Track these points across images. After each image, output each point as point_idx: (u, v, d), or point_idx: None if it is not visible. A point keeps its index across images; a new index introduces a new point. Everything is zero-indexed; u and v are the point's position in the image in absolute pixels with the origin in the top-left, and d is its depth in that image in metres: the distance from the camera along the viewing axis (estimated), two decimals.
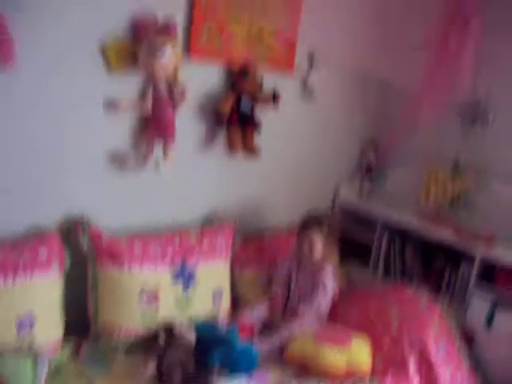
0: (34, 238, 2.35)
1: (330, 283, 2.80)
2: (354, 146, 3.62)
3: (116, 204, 2.64)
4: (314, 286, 2.79)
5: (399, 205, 3.40)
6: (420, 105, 3.19)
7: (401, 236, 3.28)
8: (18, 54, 2.13)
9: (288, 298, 2.85)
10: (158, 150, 2.60)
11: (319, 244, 2.79)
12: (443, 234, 3.04)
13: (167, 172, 2.60)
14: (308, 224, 2.83)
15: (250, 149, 2.88)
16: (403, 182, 3.46)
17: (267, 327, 2.74)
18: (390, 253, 3.33)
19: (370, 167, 3.57)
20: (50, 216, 2.45)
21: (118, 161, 2.58)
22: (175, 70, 2.52)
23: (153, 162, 2.58)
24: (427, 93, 3.14)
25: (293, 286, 2.84)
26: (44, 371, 2.10)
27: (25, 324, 2.18)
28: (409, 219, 3.22)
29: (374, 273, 3.39)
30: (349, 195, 3.60)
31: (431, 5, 3.14)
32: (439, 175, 3.19)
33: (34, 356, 2.11)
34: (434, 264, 3.17)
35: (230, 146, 2.85)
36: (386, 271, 3.35)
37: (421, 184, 3.28)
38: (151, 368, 2.24)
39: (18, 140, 2.28)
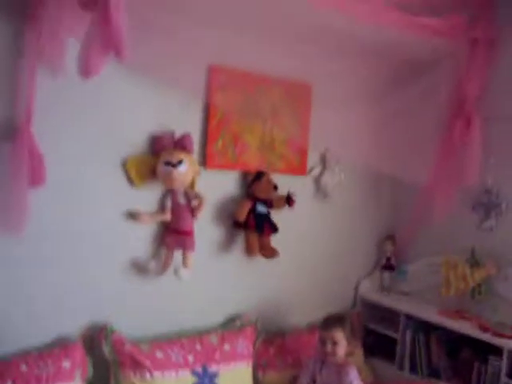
0: (57, 347, 2.41)
1: (356, 383, 2.76)
2: (372, 240, 3.68)
3: (138, 310, 2.70)
4: None
5: (421, 297, 3.42)
6: (432, 198, 3.26)
7: (425, 329, 3.24)
8: (48, 172, 2.28)
9: None
10: (177, 255, 2.71)
11: (342, 342, 2.77)
12: (467, 327, 3.00)
13: (187, 277, 2.68)
14: (330, 322, 2.82)
15: (267, 251, 2.97)
16: (423, 274, 3.47)
17: None
18: (415, 346, 3.27)
19: (389, 261, 3.61)
20: (73, 324, 2.52)
21: (138, 268, 2.69)
22: (192, 182, 2.69)
23: (172, 268, 2.67)
24: (438, 186, 3.22)
25: None
26: None
27: None
28: (431, 312, 3.20)
29: (400, 368, 3.32)
30: (370, 290, 3.61)
31: (436, 102, 3.27)
32: (458, 266, 3.19)
33: None
34: (461, 356, 3.11)
35: (248, 249, 2.94)
36: (412, 365, 3.28)
37: (441, 275, 3.28)
38: None
39: (42, 250, 2.41)
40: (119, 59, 1.83)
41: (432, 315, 3.19)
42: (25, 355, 2.32)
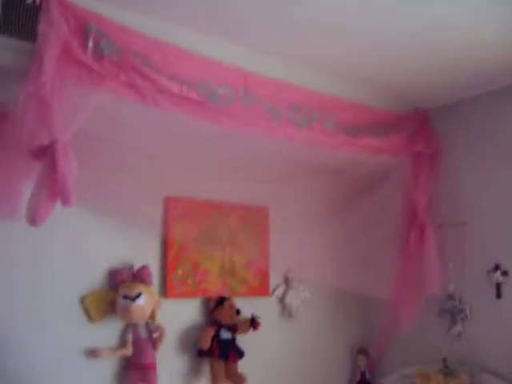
0: None
1: None
2: (344, 356, 3.61)
3: None
4: None
5: None
6: (397, 308, 3.26)
7: None
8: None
9: None
10: None
11: None
12: None
13: None
14: None
15: (234, 378, 2.89)
16: None
17: None
18: None
19: (364, 375, 3.52)
20: None
21: None
22: (153, 313, 2.68)
23: None
24: (401, 297, 3.24)
25: None
26: None
27: None
28: None
29: None
30: None
31: (391, 214, 3.37)
32: (431, 376, 3.13)
33: None
34: None
35: (214, 378, 2.87)
36: None
37: None
38: None
39: None
40: (66, 206, 1.90)
41: None
42: None
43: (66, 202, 1.90)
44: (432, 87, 3.09)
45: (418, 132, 3.23)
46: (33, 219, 1.90)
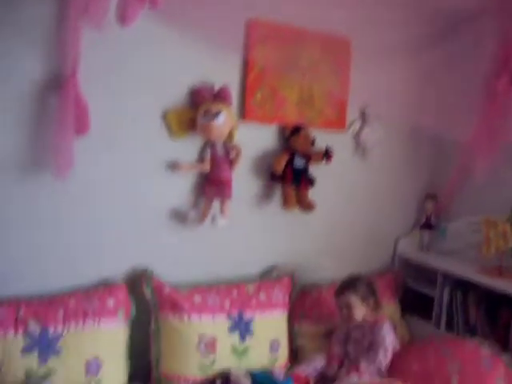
0: (102, 288, 2.57)
1: (388, 340, 2.77)
2: (412, 199, 3.64)
3: (177, 257, 2.83)
4: (371, 342, 2.77)
5: (460, 255, 3.39)
6: (474, 154, 3.21)
7: (463, 288, 3.23)
8: (92, 122, 2.40)
9: (346, 354, 2.83)
10: (215, 205, 2.80)
11: (357, 304, 2.77)
12: (505, 284, 2.97)
13: (224, 226, 2.77)
14: (341, 288, 2.85)
15: (304, 204, 3.02)
16: (463, 233, 3.43)
17: (324, 380, 2.76)
18: (452, 305, 3.27)
19: (429, 219, 3.58)
20: (117, 269, 2.67)
21: (178, 217, 2.80)
22: (231, 133, 2.75)
23: (210, 217, 2.77)
24: (480, 142, 3.16)
25: (351, 344, 2.83)
26: None
27: (92, 368, 2.38)
28: (470, 271, 3.17)
29: (436, 326, 3.33)
30: (409, 248, 3.61)
31: (481, 56, 3.19)
32: (498, 224, 3.15)
33: None
34: (500, 316, 3.08)
35: (285, 202, 2.99)
36: (449, 324, 3.28)
37: (481, 234, 3.24)
38: None
39: (85, 197, 2.55)
40: (153, 8, 1.89)
41: (469, 272, 3.16)
42: (73, 292, 2.50)
43: (154, 3, 1.90)
44: None
45: None
46: (122, 19, 1.93)
